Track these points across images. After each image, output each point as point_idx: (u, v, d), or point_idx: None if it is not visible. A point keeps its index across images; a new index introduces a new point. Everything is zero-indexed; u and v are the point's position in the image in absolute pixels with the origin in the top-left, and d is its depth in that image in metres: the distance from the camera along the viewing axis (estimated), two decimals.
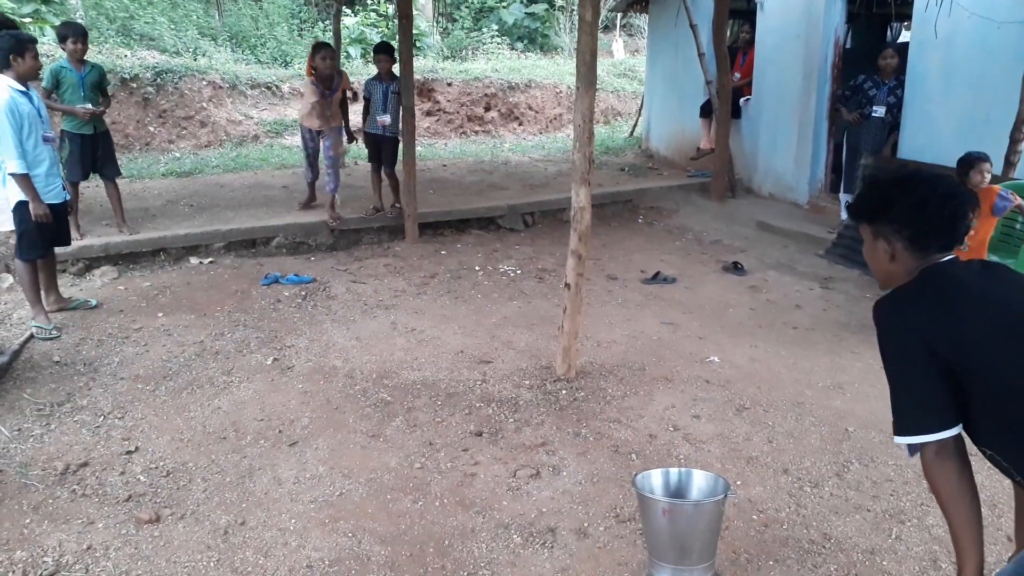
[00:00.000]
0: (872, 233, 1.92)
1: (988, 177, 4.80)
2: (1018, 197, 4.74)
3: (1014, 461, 1.75)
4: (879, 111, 6.97)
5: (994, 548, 2.89)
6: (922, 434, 1.76)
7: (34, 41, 4.79)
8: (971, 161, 4.76)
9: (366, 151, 7.58)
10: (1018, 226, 5.51)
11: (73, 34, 5.94)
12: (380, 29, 15.11)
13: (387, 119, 7.01)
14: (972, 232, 4.74)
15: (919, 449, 1.79)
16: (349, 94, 7.36)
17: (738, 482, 3.39)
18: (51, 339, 4.81)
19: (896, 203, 1.85)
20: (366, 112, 7.22)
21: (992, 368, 1.71)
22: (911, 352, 1.78)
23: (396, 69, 7.04)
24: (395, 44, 7.25)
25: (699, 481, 2.84)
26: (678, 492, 2.83)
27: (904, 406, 1.80)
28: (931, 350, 1.74)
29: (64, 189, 5.06)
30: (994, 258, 5.15)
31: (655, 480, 2.83)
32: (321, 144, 7.03)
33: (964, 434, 1.80)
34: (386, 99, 7.02)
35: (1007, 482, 1.80)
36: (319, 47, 6.94)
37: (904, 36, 9.65)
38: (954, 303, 1.77)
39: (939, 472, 1.77)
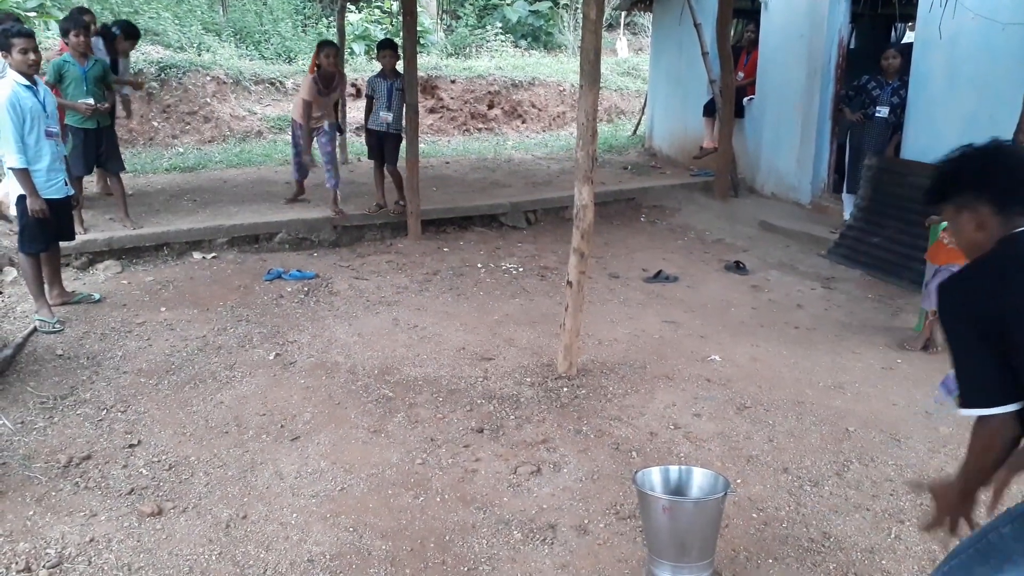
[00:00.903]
0: (954, 210, 1.93)
1: None
2: None
3: None
4: (882, 111, 6.96)
5: None
6: (979, 407, 1.78)
7: (24, 35, 4.65)
8: None
9: (368, 148, 7.59)
10: None
11: (75, 27, 5.94)
12: (384, 26, 15.12)
13: (389, 117, 7.02)
14: None
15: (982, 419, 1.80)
16: (351, 91, 7.38)
17: (738, 480, 3.40)
18: (54, 332, 4.83)
19: (964, 171, 1.90)
20: (368, 109, 7.22)
21: None
22: (966, 326, 1.80)
23: (400, 66, 7.05)
24: (399, 41, 7.25)
25: (699, 479, 2.86)
26: (678, 490, 2.84)
27: (963, 380, 1.82)
28: (985, 325, 1.75)
29: (67, 184, 5.06)
30: None
31: (655, 477, 2.85)
32: (316, 141, 7.05)
33: None
34: (390, 96, 7.02)
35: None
36: (324, 45, 7.05)
37: (908, 37, 9.64)
38: (1015, 275, 1.78)
39: (982, 443, 1.79)
